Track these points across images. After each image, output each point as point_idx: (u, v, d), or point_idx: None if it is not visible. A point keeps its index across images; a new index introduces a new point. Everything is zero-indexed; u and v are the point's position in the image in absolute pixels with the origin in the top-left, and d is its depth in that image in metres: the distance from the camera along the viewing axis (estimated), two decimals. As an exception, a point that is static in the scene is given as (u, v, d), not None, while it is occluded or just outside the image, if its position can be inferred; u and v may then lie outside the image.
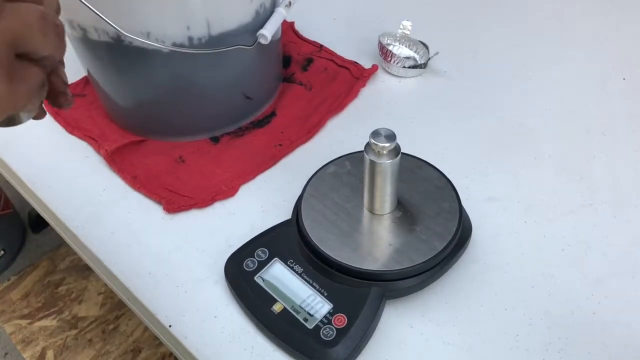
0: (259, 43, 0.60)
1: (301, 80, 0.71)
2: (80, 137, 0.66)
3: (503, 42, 0.76)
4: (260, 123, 0.67)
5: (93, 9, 0.51)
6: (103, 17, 0.52)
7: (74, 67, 0.74)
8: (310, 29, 0.78)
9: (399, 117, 0.66)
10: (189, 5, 0.54)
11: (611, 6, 0.81)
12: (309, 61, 0.74)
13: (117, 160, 0.63)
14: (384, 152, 0.47)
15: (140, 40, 0.54)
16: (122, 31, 0.53)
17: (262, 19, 0.60)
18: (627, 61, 0.71)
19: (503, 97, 0.68)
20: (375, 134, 0.47)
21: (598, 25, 0.78)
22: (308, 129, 0.65)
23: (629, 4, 0.81)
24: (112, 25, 0.52)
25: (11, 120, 0.35)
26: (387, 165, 0.47)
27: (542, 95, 0.68)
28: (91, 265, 0.60)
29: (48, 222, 0.65)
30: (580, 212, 0.56)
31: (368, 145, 0.47)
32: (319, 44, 0.76)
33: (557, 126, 0.64)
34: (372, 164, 0.48)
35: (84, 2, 0.50)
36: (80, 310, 1.32)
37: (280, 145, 0.64)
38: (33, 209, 1.61)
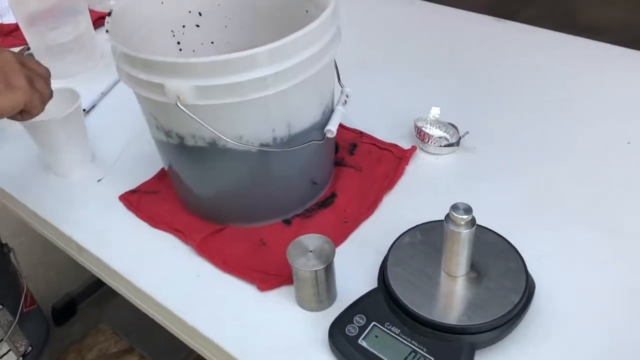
0: (327, 137, 0.70)
1: (351, 163, 0.81)
2: (166, 230, 0.74)
3: (519, 115, 0.88)
4: (324, 203, 0.75)
5: (202, 122, 0.60)
6: (210, 128, 0.61)
7: (145, 166, 0.83)
8: (348, 118, 0.88)
9: (442, 190, 0.76)
10: (276, 111, 0.63)
11: (612, 82, 0.94)
12: (354, 146, 0.84)
13: (205, 248, 0.70)
14: (462, 222, 0.56)
15: (233, 142, 0.63)
16: (223, 137, 0.62)
17: (327, 117, 0.70)
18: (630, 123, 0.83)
19: (527, 164, 0.79)
20: (454, 207, 0.56)
21: (607, 102, 0.90)
22: (368, 206, 0.74)
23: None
24: (215, 134, 0.61)
25: None
26: (465, 234, 0.56)
27: (562, 159, 0.79)
28: (192, 344, 0.66)
29: (143, 311, 0.71)
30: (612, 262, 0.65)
31: (448, 216, 0.56)
32: (359, 130, 0.86)
33: (584, 185, 0.75)
34: (452, 233, 0.57)
35: (197, 119, 0.60)
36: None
37: (346, 222, 0.73)
38: (57, 302, 1.62)
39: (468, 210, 0.56)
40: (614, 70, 0.95)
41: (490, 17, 1.10)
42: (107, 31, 0.64)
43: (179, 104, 0.59)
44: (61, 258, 1.65)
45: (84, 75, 1.06)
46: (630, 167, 0.77)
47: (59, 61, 1.04)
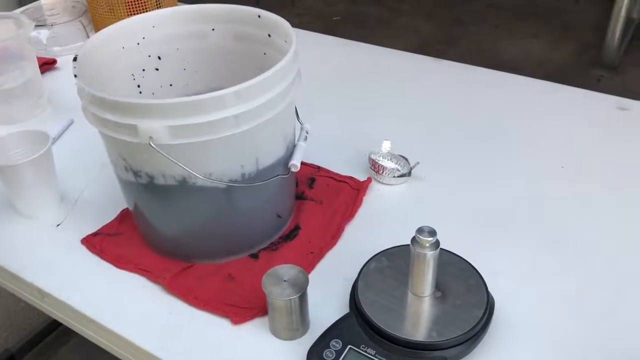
0: (291, 171, 0.73)
1: (311, 196, 0.84)
2: (133, 271, 0.74)
3: (463, 146, 0.94)
4: (289, 236, 0.78)
5: (175, 160, 0.62)
6: (182, 165, 0.63)
7: (105, 208, 0.83)
8: (305, 154, 0.92)
9: (399, 218, 0.81)
10: (245, 148, 0.66)
11: (554, 116, 1.03)
12: (312, 180, 0.87)
13: (175, 285, 0.71)
14: (428, 244, 0.60)
15: (204, 179, 0.65)
16: (194, 173, 0.64)
17: (290, 152, 0.74)
18: (565, 151, 0.92)
19: (474, 189, 0.85)
20: (420, 230, 0.60)
21: (548, 127, 0.99)
22: (331, 236, 0.78)
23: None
24: (187, 171, 0.63)
25: None
26: (431, 255, 0.60)
27: (506, 184, 0.86)
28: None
29: (113, 353, 0.70)
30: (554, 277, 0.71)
31: (414, 239, 0.61)
32: (316, 165, 0.90)
33: (528, 206, 0.81)
34: (419, 254, 0.61)
35: (170, 158, 0.61)
36: None
37: (312, 253, 0.75)
38: (13, 346, 1.54)
39: (432, 232, 0.60)
40: (542, 102, 1.04)
41: (426, 57, 1.18)
42: (75, 75, 0.65)
43: (152, 144, 0.61)
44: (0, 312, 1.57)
45: (31, 122, 1.05)
46: (566, 188, 0.84)
47: (4, 107, 1.03)
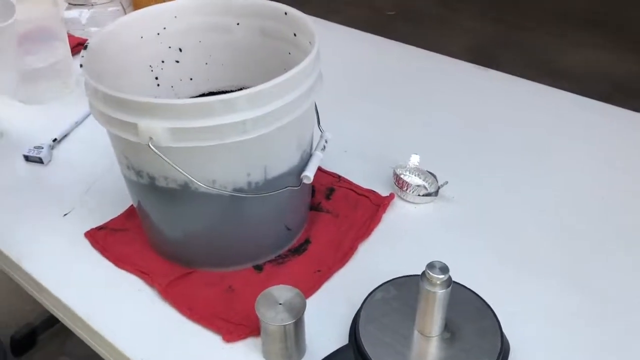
0: (303, 183, 0.68)
1: (327, 208, 0.79)
2: (131, 272, 0.71)
3: (497, 167, 0.87)
4: (297, 250, 0.73)
5: (175, 165, 0.58)
6: (182, 171, 0.59)
7: (114, 202, 0.80)
8: (326, 161, 0.87)
9: (419, 241, 0.75)
10: (252, 155, 0.62)
11: (593, 140, 0.95)
12: (331, 190, 0.82)
13: (170, 292, 0.67)
14: (438, 282, 0.54)
15: (206, 186, 0.61)
16: (195, 180, 0.60)
17: (304, 162, 0.69)
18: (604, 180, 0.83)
19: (503, 218, 0.78)
20: (430, 266, 0.54)
21: (583, 154, 0.90)
22: (342, 255, 0.72)
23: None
24: (188, 177, 0.59)
25: None
26: (441, 294, 0.55)
27: (538, 215, 0.78)
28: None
29: (102, 356, 0.67)
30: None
31: (424, 275, 0.55)
32: (337, 174, 0.85)
33: (559, 241, 0.74)
34: (427, 292, 0.55)
35: (168, 161, 0.57)
36: None
37: (319, 271, 0.70)
38: (16, 332, 1.56)
39: (444, 269, 0.54)
40: (592, 124, 0.95)
41: (473, 65, 1.11)
42: (80, 65, 0.62)
43: (151, 146, 0.57)
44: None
45: (57, 103, 1.03)
46: (602, 223, 0.76)
47: (31, 86, 1.02)
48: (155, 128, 0.56)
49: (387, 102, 1.03)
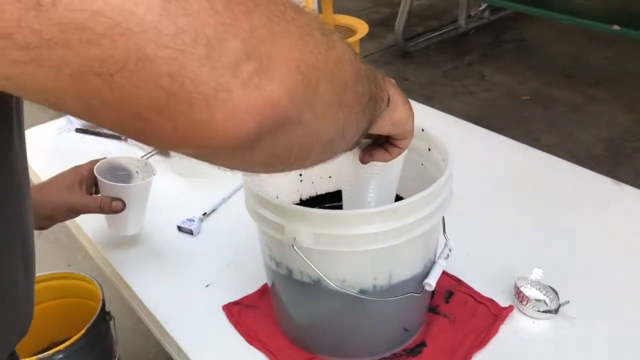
0: (425, 289, 0.72)
1: (445, 312, 0.82)
2: (259, 348, 0.78)
3: (628, 289, 0.85)
4: (412, 351, 0.77)
5: (312, 264, 0.65)
6: (317, 270, 0.65)
7: (250, 277, 0.88)
8: (447, 262, 0.90)
9: (536, 358, 0.75)
10: (380, 262, 0.67)
11: None
12: (450, 294, 0.85)
13: (292, 376, 0.74)
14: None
15: (335, 286, 0.67)
16: (327, 280, 0.66)
17: (427, 270, 0.73)
18: None
19: (628, 345, 0.76)
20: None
21: None
22: (456, 362, 0.75)
23: None
24: (321, 276, 0.66)
25: None
26: None
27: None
28: None
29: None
30: None
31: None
32: (457, 278, 0.88)
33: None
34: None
35: (307, 260, 0.65)
36: None
37: (433, 376, 0.73)
38: None
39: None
40: None
41: (606, 178, 1.09)
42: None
43: (294, 246, 0.65)
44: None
45: (208, 178, 1.16)
46: None
47: (187, 161, 1.15)
48: (299, 231, 0.64)
49: (513, 207, 1.04)
